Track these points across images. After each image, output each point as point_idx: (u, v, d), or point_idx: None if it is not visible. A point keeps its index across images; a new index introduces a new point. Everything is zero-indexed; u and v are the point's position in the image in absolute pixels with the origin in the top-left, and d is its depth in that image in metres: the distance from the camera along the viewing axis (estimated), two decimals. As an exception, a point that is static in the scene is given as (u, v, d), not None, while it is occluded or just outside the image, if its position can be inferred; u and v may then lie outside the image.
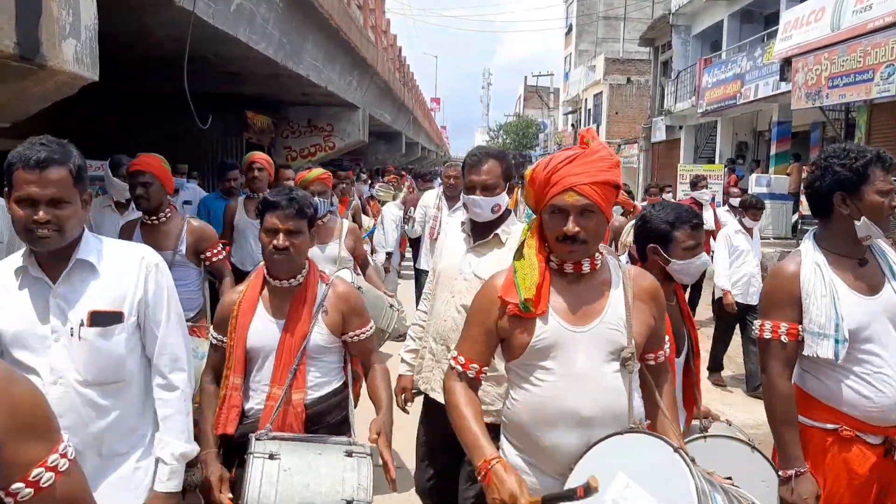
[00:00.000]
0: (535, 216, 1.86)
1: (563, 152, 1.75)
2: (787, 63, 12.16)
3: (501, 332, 1.81)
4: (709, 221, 7.77)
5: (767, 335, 2.19)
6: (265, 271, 2.36)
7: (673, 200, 8.17)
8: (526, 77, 53.87)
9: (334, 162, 17.25)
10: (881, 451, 2.10)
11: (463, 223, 2.78)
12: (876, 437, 2.11)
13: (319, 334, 2.31)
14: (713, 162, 17.47)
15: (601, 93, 30.53)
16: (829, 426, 2.12)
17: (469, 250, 2.69)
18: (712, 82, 16.65)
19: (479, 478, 1.67)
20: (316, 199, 3.73)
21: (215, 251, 3.71)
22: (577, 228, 1.69)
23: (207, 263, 3.71)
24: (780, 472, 2.12)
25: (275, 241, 2.23)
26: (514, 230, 2.68)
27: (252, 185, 5.04)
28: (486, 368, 1.88)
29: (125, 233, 3.62)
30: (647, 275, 1.93)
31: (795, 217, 12.17)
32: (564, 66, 42.33)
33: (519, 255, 1.82)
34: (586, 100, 33.44)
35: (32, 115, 3.78)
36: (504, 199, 2.66)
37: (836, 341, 2.06)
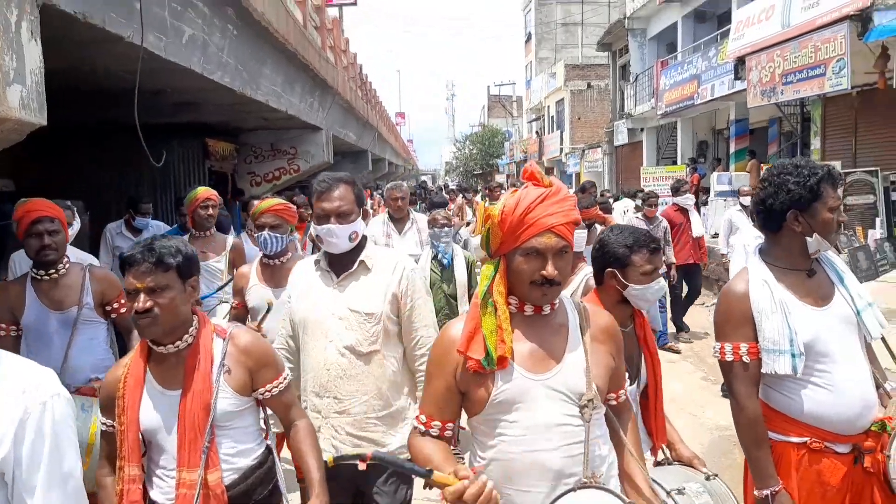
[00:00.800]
0: (493, 259, 1.75)
1: (529, 190, 1.68)
2: (740, 62, 12.40)
3: (461, 386, 1.72)
4: (695, 227, 7.80)
5: (729, 357, 2.16)
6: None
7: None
8: (489, 87, 54.31)
9: (301, 184, 17.16)
10: (850, 460, 2.11)
11: (317, 261, 2.55)
12: (844, 446, 2.11)
13: (225, 399, 2.00)
14: (675, 162, 17.75)
15: (563, 99, 30.86)
16: (798, 439, 2.12)
17: (335, 286, 2.49)
18: (670, 84, 16.92)
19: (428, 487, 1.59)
20: (265, 233, 3.48)
21: (123, 301, 3.16)
22: (556, 271, 1.63)
23: (114, 316, 3.27)
24: (756, 493, 2.11)
25: (136, 304, 1.89)
26: (379, 254, 2.58)
27: (202, 225, 4.78)
28: (450, 424, 1.77)
29: (11, 296, 3.09)
30: (603, 313, 1.88)
31: (759, 212, 12.39)
32: (526, 73, 42.72)
33: (485, 304, 1.69)
34: (549, 106, 33.76)
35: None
36: (360, 226, 2.49)
37: (793, 355, 2.06)
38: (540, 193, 1.67)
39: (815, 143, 12.10)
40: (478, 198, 15.02)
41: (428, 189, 18.40)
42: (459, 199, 14.01)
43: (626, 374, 2.02)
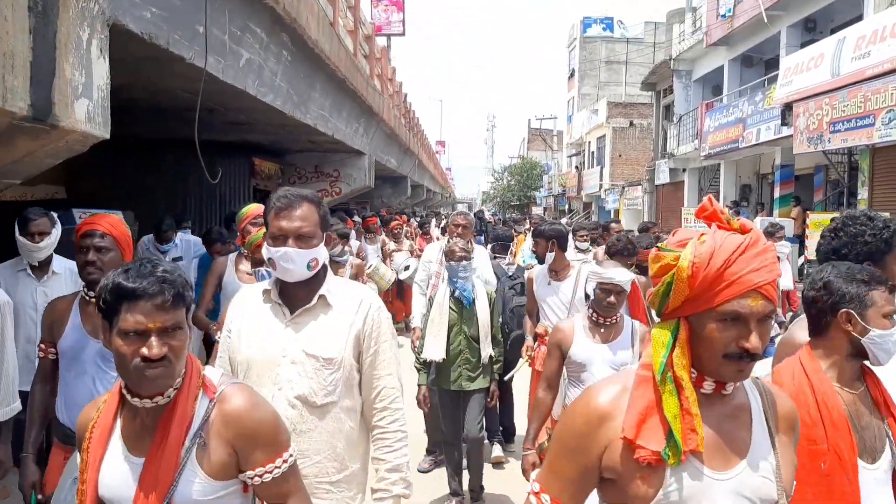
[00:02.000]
0: (671, 321, 1.39)
1: (726, 238, 1.35)
2: (788, 108, 12.31)
3: (609, 473, 1.37)
4: (785, 279, 6.96)
5: None
6: (122, 384, 1.57)
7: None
8: (529, 120, 54.59)
9: (340, 206, 17.42)
10: None
11: (266, 290, 2.14)
12: None
13: (191, 483, 1.52)
14: (717, 204, 17.53)
15: (604, 135, 30.86)
16: None
17: (288, 324, 2.09)
18: (714, 126, 16.83)
19: None
20: (262, 270, 3.39)
21: None
22: (759, 342, 1.31)
23: None
24: None
25: (144, 350, 1.46)
26: (343, 288, 2.19)
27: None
28: None
29: (56, 313, 2.79)
30: (785, 396, 1.53)
31: (802, 260, 12.14)
32: (567, 109, 42.90)
33: (664, 380, 1.35)
34: (590, 142, 33.78)
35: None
36: (323, 253, 2.10)
37: None
38: (740, 242, 1.34)
39: (863, 193, 11.87)
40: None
41: (485, 220, 16.04)
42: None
43: (859, 452, 1.72)
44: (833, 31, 12.37)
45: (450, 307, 4.36)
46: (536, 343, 4.67)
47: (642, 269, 4.85)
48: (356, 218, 13.10)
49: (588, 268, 4.19)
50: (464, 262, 4.30)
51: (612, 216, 28.42)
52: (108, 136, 3.70)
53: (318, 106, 8.50)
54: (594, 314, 3.42)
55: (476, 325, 4.34)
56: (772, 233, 7.20)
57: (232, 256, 4.51)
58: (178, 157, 9.92)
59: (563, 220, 25.79)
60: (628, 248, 5.08)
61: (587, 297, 5.10)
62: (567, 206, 39.13)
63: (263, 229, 2.94)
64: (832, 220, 2.23)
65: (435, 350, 4.27)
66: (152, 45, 4.16)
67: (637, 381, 1.39)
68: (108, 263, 2.70)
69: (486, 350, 4.33)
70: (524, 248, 9.13)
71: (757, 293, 1.31)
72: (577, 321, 3.50)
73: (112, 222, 2.83)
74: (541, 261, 4.94)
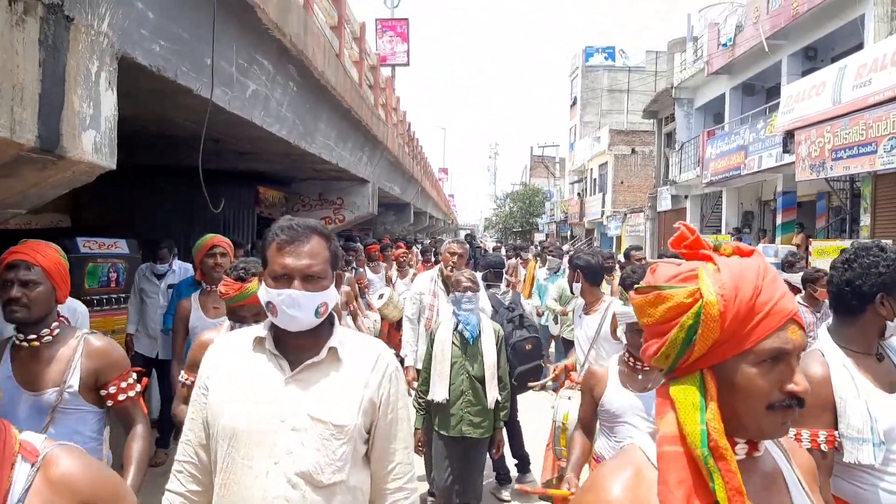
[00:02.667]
0: (690, 375, 1.13)
1: (741, 263, 1.13)
2: (789, 135, 12.37)
3: None
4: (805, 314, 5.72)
5: (806, 444, 2.03)
6: None
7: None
8: (532, 147, 54.95)
9: (345, 232, 17.46)
10: None
11: (260, 338, 1.75)
12: None
13: None
14: (719, 231, 17.57)
15: (606, 162, 31.01)
16: None
17: (289, 380, 1.70)
18: (716, 153, 16.90)
19: None
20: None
21: (123, 385, 2.44)
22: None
23: (111, 403, 2.44)
24: None
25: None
26: (355, 341, 1.83)
27: (210, 276, 4.10)
28: None
29: None
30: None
31: (806, 287, 12.13)
32: (569, 136, 43.19)
33: (705, 455, 1.06)
34: (592, 169, 33.94)
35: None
36: (333, 296, 1.75)
37: (874, 444, 1.99)
38: (758, 266, 1.13)
39: (865, 220, 11.87)
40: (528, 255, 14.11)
41: (476, 245, 15.40)
42: (513, 259, 13.60)
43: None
44: (834, 60, 12.49)
45: (452, 342, 3.99)
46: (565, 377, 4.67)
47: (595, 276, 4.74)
48: (357, 245, 13.07)
49: (615, 306, 3.99)
50: (469, 294, 3.98)
51: (615, 243, 28.44)
52: (114, 166, 3.72)
53: (324, 135, 8.56)
54: (629, 358, 2.98)
55: (481, 364, 3.94)
56: (792, 262, 6.29)
57: (194, 295, 4.16)
58: (184, 185, 9.97)
59: (565, 247, 25.78)
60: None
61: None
62: (569, 233, 39.18)
63: (255, 282, 2.69)
64: (843, 251, 2.22)
65: (439, 390, 3.92)
66: (161, 77, 4.20)
67: (664, 462, 1.09)
68: (35, 299, 2.33)
69: (493, 393, 3.93)
70: (536, 276, 9.13)
71: (794, 323, 1.10)
72: (611, 366, 3.06)
73: (41, 250, 2.41)
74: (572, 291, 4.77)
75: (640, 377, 2.92)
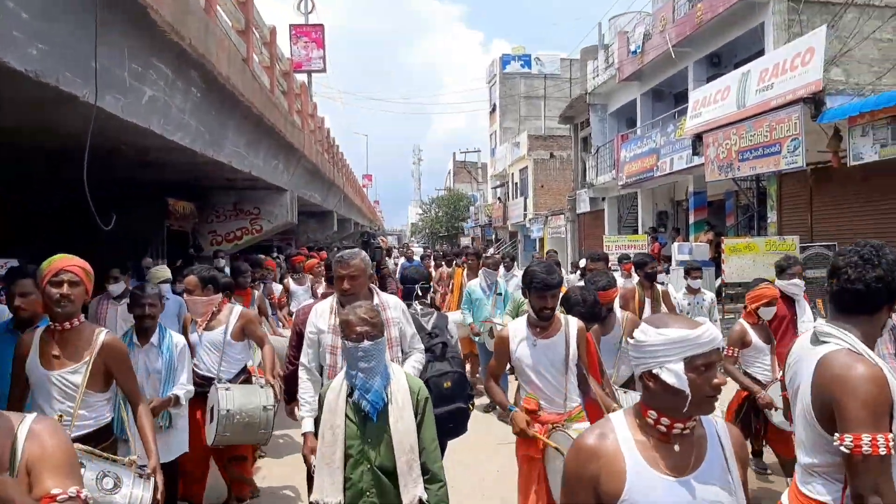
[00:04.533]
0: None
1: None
2: (698, 138, 12.79)
3: None
4: (804, 321, 5.37)
5: (882, 450, 1.90)
6: None
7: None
8: (455, 153, 55.24)
9: (265, 243, 16.91)
10: None
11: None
12: None
13: None
14: (637, 231, 18.05)
15: (526, 167, 31.47)
16: None
17: None
18: (630, 157, 17.36)
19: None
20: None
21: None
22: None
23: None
24: None
25: None
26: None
27: (54, 310, 2.98)
28: None
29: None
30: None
31: (718, 282, 12.54)
32: (490, 142, 43.69)
33: None
34: (513, 174, 34.37)
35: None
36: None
37: None
38: None
39: (772, 217, 12.41)
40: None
41: (373, 245, 12.40)
42: (436, 267, 12.62)
43: None
44: (737, 66, 13.00)
45: (346, 418, 2.72)
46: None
47: (594, 315, 4.20)
48: (279, 256, 12.57)
49: (573, 324, 3.67)
50: (367, 344, 2.69)
51: (538, 245, 28.86)
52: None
53: (233, 143, 8.20)
54: (660, 417, 1.73)
55: (390, 450, 2.68)
56: (784, 268, 5.60)
57: (38, 331, 3.10)
58: (93, 198, 9.37)
59: (490, 251, 25.87)
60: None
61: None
62: (494, 236, 39.55)
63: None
64: (842, 253, 2.20)
65: (329, 489, 2.70)
66: (40, 83, 3.84)
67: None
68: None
69: (411, 491, 2.67)
70: (473, 286, 7.69)
71: None
72: (619, 424, 1.80)
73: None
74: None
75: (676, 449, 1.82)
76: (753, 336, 4.94)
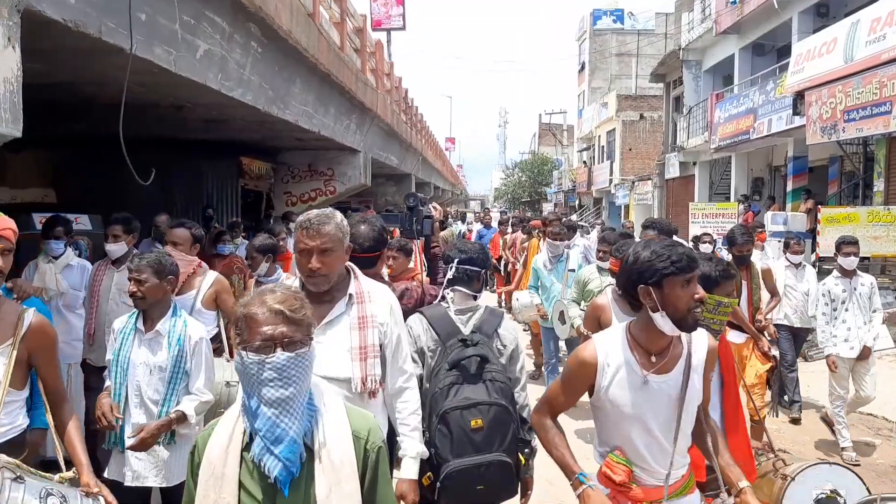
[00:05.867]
0: None
1: None
2: (800, 96, 11.76)
3: None
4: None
5: None
6: None
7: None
8: (540, 115, 53.97)
9: (342, 204, 17.05)
10: None
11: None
12: None
13: None
14: (729, 199, 16.99)
15: (614, 129, 30.28)
16: None
17: None
18: (725, 117, 16.27)
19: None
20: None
21: None
22: None
23: None
24: None
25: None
26: None
27: None
28: None
29: None
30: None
31: (813, 257, 11.61)
32: (578, 103, 42.29)
33: None
34: (600, 136, 33.21)
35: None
36: None
37: None
38: None
39: (879, 185, 11.31)
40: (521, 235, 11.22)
41: (421, 214, 6.56)
42: (513, 233, 11.39)
43: None
44: (847, 17, 11.79)
45: (241, 488, 1.64)
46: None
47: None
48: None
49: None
50: (281, 357, 1.61)
51: (623, 212, 27.86)
52: (19, 134, 3.33)
53: (300, 101, 8.11)
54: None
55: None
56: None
57: None
58: (160, 157, 9.59)
59: (573, 217, 25.15)
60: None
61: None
62: (577, 202, 38.57)
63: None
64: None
65: None
66: (80, 33, 3.77)
67: None
68: None
69: None
70: (537, 261, 6.77)
71: None
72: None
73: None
74: None
75: None
76: None
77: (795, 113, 12.27)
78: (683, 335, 2.18)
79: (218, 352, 3.91)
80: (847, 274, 5.57)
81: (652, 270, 2.06)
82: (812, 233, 11.38)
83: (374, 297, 2.51)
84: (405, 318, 2.72)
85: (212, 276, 4.11)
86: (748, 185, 17.56)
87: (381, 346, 2.46)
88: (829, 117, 10.69)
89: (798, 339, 6.60)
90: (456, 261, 2.97)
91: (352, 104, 10.60)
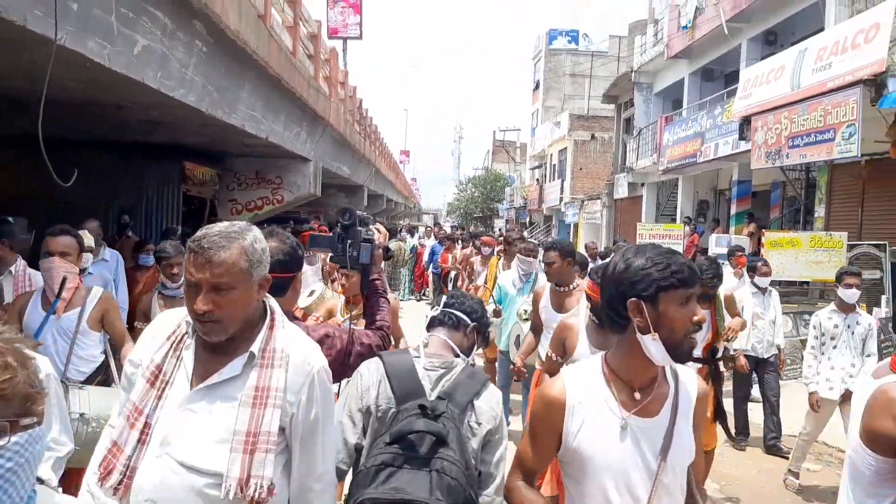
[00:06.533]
0: None
1: None
2: (746, 122, 12.00)
3: None
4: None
5: None
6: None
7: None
8: (494, 132, 54.35)
9: (290, 214, 16.64)
10: None
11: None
12: None
13: None
14: (675, 220, 17.28)
15: (566, 148, 30.63)
16: None
17: None
18: (673, 140, 16.56)
19: None
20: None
21: None
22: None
23: None
24: None
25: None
26: None
27: None
28: None
29: None
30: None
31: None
32: (532, 121, 42.73)
33: None
34: (552, 155, 33.55)
35: None
36: None
37: None
38: None
39: (820, 211, 11.61)
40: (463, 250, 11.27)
41: (358, 234, 2.83)
42: (461, 249, 11.33)
43: None
44: (794, 45, 12.12)
45: None
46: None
47: None
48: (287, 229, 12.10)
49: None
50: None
51: (573, 230, 28.13)
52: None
53: (248, 105, 7.83)
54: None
55: None
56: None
57: None
58: (98, 158, 9.16)
59: (525, 234, 25.23)
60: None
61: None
62: (528, 219, 38.85)
63: None
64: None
65: None
66: (2, 20, 3.48)
67: None
68: None
69: None
70: (505, 280, 6.14)
71: None
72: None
73: None
74: None
75: None
76: None
77: (741, 138, 12.52)
78: (669, 373, 1.79)
79: (105, 383, 3.60)
80: (845, 309, 5.16)
81: (648, 281, 1.65)
82: (755, 255, 11.59)
83: (290, 359, 1.73)
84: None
85: (97, 291, 3.72)
86: (693, 207, 17.91)
87: (283, 431, 1.71)
88: (773, 143, 10.92)
89: (760, 367, 6.29)
90: (443, 300, 2.43)
91: (303, 111, 10.34)
